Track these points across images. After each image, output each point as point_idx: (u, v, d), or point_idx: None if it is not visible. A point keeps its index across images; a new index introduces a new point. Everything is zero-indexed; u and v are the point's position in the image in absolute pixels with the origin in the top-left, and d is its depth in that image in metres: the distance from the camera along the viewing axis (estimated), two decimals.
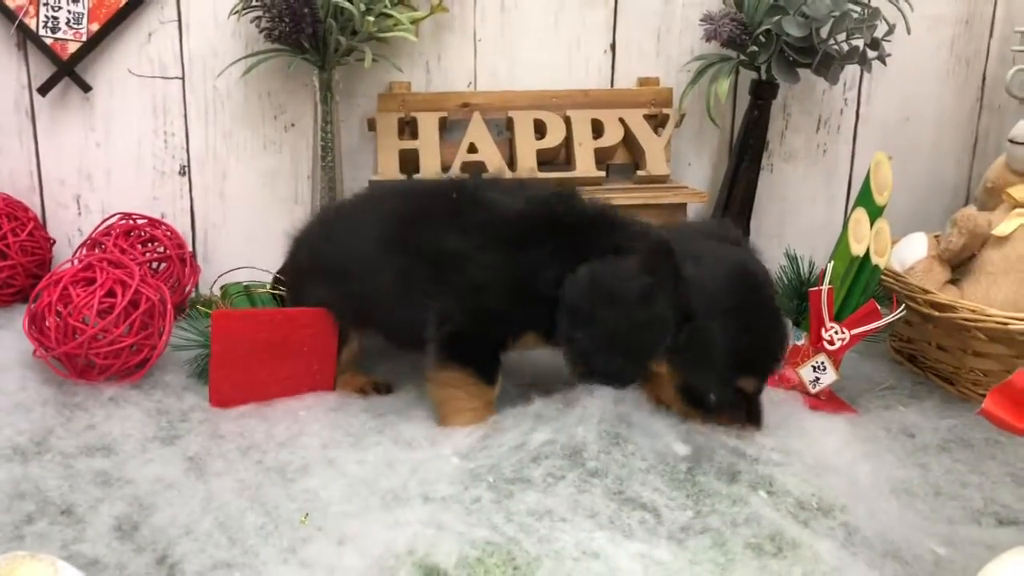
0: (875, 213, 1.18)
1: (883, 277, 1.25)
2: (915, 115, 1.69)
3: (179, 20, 1.48)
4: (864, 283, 1.17)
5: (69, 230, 1.56)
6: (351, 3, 1.30)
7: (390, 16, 1.34)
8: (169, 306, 1.21)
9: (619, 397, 0.97)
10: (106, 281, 1.17)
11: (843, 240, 1.17)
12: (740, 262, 0.99)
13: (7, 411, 1.09)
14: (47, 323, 1.15)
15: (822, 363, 1.18)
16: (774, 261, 1.23)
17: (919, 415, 1.16)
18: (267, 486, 0.94)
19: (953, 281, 1.31)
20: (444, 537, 0.79)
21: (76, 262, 1.22)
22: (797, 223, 1.71)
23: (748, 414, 0.99)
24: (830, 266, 1.16)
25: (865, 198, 1.19)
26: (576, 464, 0.89)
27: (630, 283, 0.94)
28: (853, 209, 1.18)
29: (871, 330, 1.16)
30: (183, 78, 1.51)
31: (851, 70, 1.62)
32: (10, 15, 1.41)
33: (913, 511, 0.91)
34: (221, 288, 1.33)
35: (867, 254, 1.15)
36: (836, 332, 1.17)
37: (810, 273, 1.31)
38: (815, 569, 0.77)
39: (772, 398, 1.06)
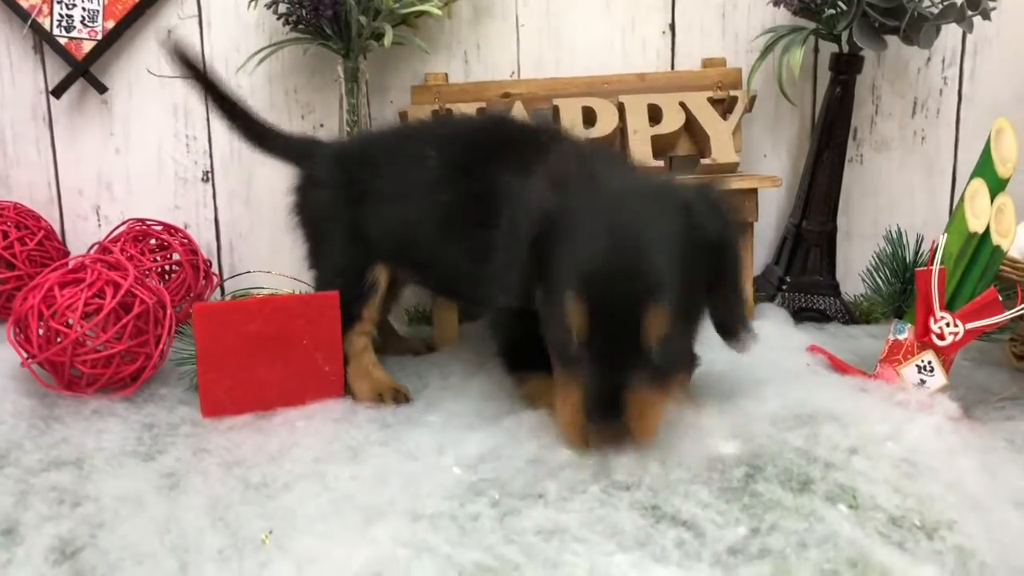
0: (997, 186, 0.98)
1: (1002, 266, 1.04)
2: None
3: (199, 15, 1.39)
4: (983, 267, 0.96)
5: (89, 243, 1.45)
6: None
7: None
8: (169, 311, 1.09)
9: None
10: (96, 281, 1.05)
11: (959, 214, 0.97)
12: (618, 190, 0.86)
13: None
14: (31, 328, 1.04)
15: (929, 363, 0.97)
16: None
17: None
18: (240, 504, 0.80)
19: None
20: (423, 560, 0.62)
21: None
22: (894, 221, 1.45)
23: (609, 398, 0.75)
24: (942, 240, 0.96)
25: (985, 168, 0.99)
26: (601, 476, 0.70)
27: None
28: (969, 180, 0.98)
29: (990, 326, 0.95)
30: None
31: (950, 44, 1.41)
32: (23, 14, 1.33)
33: None
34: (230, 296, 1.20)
35: (987, 232, 0.95)
36: (948, 324, 0.96)
37: (916, 253, 1.10)
38: None
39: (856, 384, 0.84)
